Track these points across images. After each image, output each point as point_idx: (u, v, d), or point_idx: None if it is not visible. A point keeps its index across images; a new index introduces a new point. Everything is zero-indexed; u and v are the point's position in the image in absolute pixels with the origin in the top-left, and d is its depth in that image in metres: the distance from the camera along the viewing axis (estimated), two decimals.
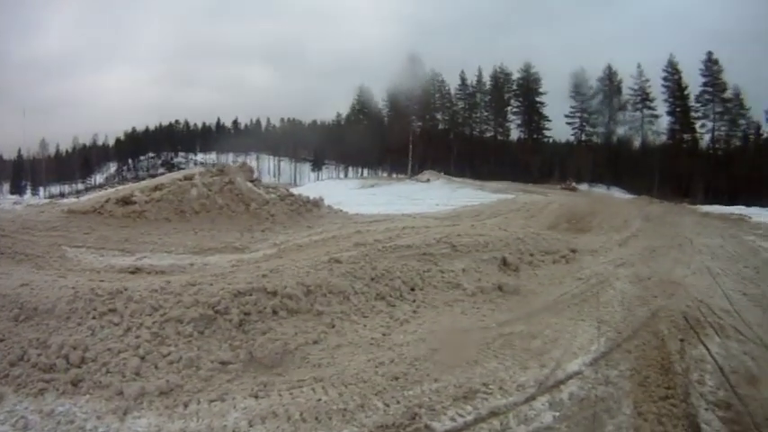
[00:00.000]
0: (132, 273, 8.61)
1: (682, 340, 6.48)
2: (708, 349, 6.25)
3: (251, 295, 6.31)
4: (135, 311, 5.75)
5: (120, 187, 20.92)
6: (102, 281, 7.13)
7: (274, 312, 6.26)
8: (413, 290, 7.87)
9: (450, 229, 11.57)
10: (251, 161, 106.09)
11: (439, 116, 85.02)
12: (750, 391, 5.26)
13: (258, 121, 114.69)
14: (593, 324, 6.95)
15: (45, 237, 11.03)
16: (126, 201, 13.77)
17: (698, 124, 69.27)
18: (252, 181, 16.25)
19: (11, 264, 8.72)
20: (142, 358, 5.12)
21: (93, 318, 5.62)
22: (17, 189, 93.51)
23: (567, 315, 7.37)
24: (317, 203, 16.08)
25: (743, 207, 32.72)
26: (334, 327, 6.40)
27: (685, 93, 69.23)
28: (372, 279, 7.69)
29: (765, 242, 16.08)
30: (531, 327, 6.78)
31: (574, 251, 11.59)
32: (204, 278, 6.95)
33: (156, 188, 14.61)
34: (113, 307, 5.79)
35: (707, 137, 69.34)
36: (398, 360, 5.59)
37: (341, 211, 16.78)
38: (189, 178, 15.21)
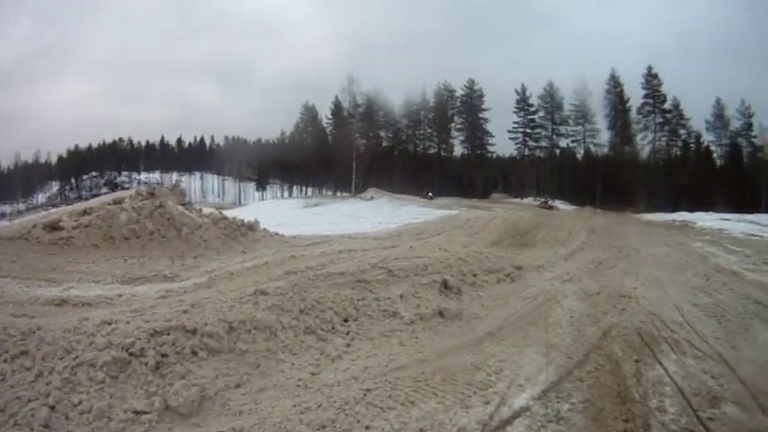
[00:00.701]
0: (57, 305, 7.91)
1: (637, 361, 6.02)
2: (665, 369, 5.82)
3: (169, 334, 5.78)
4: (47, 354, 5.23)
5: (49, 211, 20.14)
6: (18, 316, 6.51)
7: (193, 353, 5.73)
8: (346, 321, 7.27)
9: (388, 251, 10.98)
10: (195, 180, 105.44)
11: (383, 133, 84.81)
12: (714, 414, 4.86)
13: (202, 140, 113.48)
14: (541, 350, 6.42)
15: None
16: (53, 226, 12.92)
17: (639, 136, 72.03)
18: (183, 204, 15.51)
19: None
20: (52, 408, 4.67)
21: (5, 361, 5.14)
22: None
23: (512, 341, 6.83)
24: (251, 227, 15.41)
25: (686, 213, 33.13)
26: (258, 367, 5.85)
27: (627, 105, 71.56)
28: (302, 311, 7.08)
29: (713, 248, 16.10)
30: (475, 356, 6.22)
31: (519, 268, 11.23)
32: (122, 315, 6.33)
33: (85, 212, 13.71)
34: (25, 349, 5.28)
35: (648, 148, 72.09)
36: (327, 404, 5.03)
37: (277, 234, 16.14)
38: (118, 202, 14.36)
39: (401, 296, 8.20)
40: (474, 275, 10.03)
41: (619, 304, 8.59)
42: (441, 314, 7.83)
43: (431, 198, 49.50)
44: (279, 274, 8.77)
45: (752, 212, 36.63)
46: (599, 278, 10.91)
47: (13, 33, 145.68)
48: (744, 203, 48.62)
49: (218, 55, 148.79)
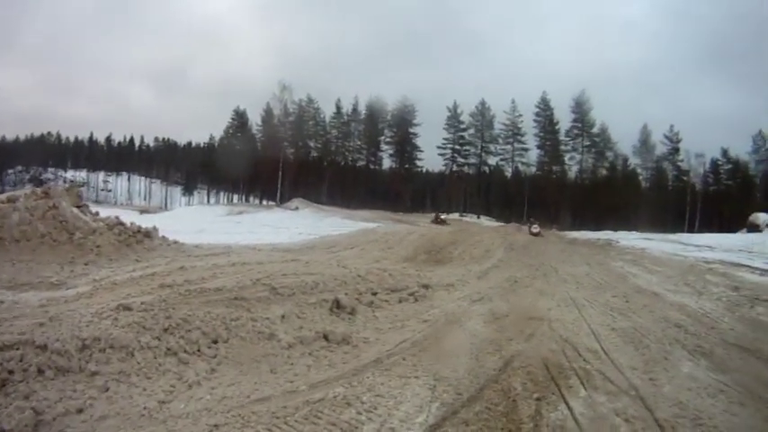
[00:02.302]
0: None
1: (538, 399, 5.27)
2: (570, 410, 5.08)
3: (17, 349, 5.26)
4: None
5: None
6: None
7: (40, 371, 5.14)
8: (215, 343, 6.46)
9: (280, 266, 10.37)
10: (122, 181, 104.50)
11: (312, 144, 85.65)
12: None
13: (132, 140, 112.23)
14: (429, 383, 5.63)
15: None
16: None
17: (567, 156, 75.98)
18: (79, 206, 14.60)
19: None
20: None
21: None
22: None
23: (399, 371, 6.05)
24: (148, 234, 14.57)
25: (610, 232, 33.60)
26: (107, 391, 5.15)
27: (556, 127, 75.89)
28: (165, 330, 6.27)
29: (634, 267, 16.06)
30: (350, 389, 5.43)
31: (426, 287, 10.61)
32: None
33: None
34: None
35: (575, 168, 76.19)
36: None
37: (176, 242, 15.28)
38: (12, 201, 13.53)
39: (283, 316, 7.40)
40: (373, 294, 9.38)
41: (527, 328, 8.00)
42: (325, 338, 7.03)
43: (443, 222, 46.39)
44: (153, 287, 8.05)
45: (675, 232, 37.28)
46: (511, 298, 10.40)
47: None
48: (668, 223, 50.96)
49: (154, 57, 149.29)
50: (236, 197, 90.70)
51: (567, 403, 5.18)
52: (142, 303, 6.71)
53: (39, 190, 14.49)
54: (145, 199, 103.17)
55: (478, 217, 63.98)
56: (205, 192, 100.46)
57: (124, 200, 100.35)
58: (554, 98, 75.73)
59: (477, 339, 7.35)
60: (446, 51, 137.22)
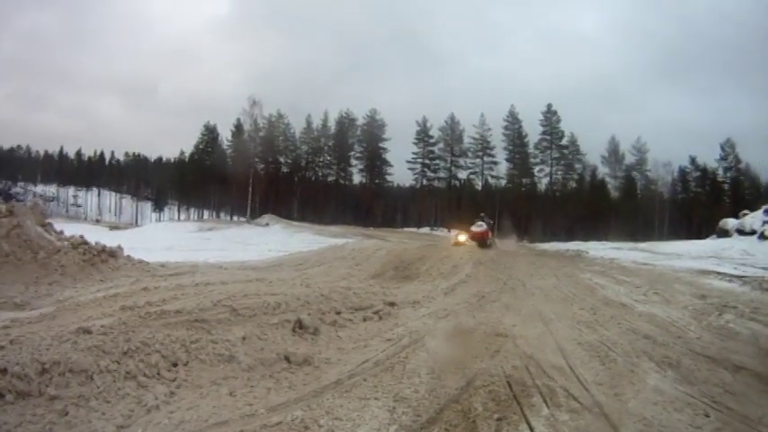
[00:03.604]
0: None
1: (499, 420, 5.20)
2: (531, 429, 5.04)
3: None
4: None
5: None
6: None
7: (0, 396, 5.08)
8: (174, 366, 6.39)
9: (241, 287, 10.20)
10: (92, 197, 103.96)
11: (282, 159, 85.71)
12: None
13: (102, 154, 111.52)
14: (388, 404, 5.58)
15: None
16: None
17: (536, 169, 76.99)
18: (43, 225, 14.42)
19: None
20: None
21: None
22: None
23: (358, 392, 5.97)
24: (113, 253, 14.41)
25: (580, 242, 33.76)
26: (66, 415, 5.05)
27: (525, 140, 76.60)
28: (125, 353, 6.18)
29: (602, 279, 16.09)
30: (309, 412, 5.36)
31: (392, 304, 10.54)
32: None
33: None
34: None
35: (545, 180, 77.05)
36: None
37: (141, 261, 15.14)
38: None
39: (243, 338, 7.31)
40: (337, 313, 9.31)
41: (493, 345, 7.93)
42: (287, 359, 6.96)
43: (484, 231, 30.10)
44: (114, 309, 7.96)
45: (644, 241, 37.51)
46: (478, 314, 10.28)
47: None
48: (637, 233, 51.83)
49: (124, 72, 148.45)
50: (206, 213, 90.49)
51: (528, 423, 5.13)
52: (102, 326, 6.60)
53: (3, 207, 14.36)
54: (115, 215, 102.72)
55: (449, 231, 64.36)
56: (176, 208, 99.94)
57: (94, 215, 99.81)
58: (521, 111, 76.60)
59: (441, 357, 7.27)
60: (411, 68, 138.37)
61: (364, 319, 9.47)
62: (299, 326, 8.17)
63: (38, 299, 10.10)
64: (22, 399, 5.11)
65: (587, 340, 8.44)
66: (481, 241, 27.58)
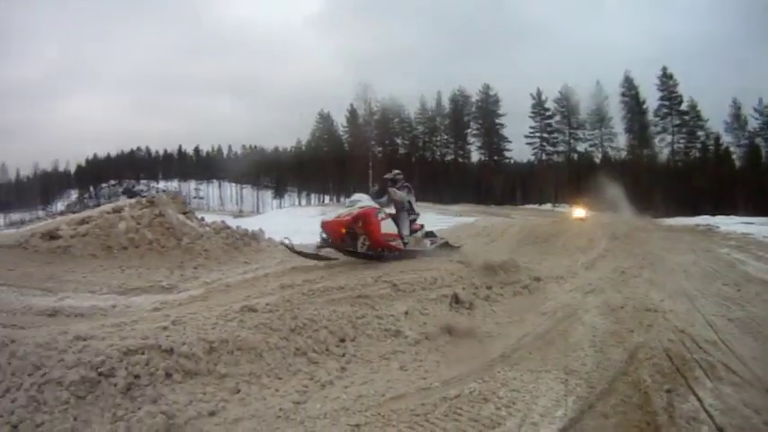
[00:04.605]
0: (50, 315, 7.76)
1: (668, 391, 5.30)
2: (700, 401, 5.11)
3: (143, 354, 5.21)
4: (17, 369, 4.80)
5: (49, 221, 19.83)
6: (6, 327, 6.41)
7: (168, 375, 5.15)
8: (342, 341, 6.58)
9: (393, 264, 10.35)
10: (213, 189, 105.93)
11: (399, 141, 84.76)
12: None
13: (220, 149, 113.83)
14: (560, 376, 5.70)
15: None
16: (51, 235, 12.77)
17: (657, 138, 70.53)
18: (185, 213, 15.07)
19: None
20: (14, 427, 4.29)
21: None
22: None
23: (527, 365, 6.11)
24: (255, 236, 14.91)
25: (707, 217, 32.40)
26: (238, 393, 5.22)
27: (643, 107, 70.23)
28: (292, 330, 6.37)
29: (741, 254, 15.49)
30: (484, 385, 5.51)
31: (537, 279, 10.59)
32: (99, 330, 5.81)
33: (83, 221, 13.54)
34: None
35: (666, 150, 70.65)
36: None
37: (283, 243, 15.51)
38: (118, 211, 14.14)
39: (406, 313, 7.50)
40: (488, 288, 9.40)
41: (645, 320, 7.91)
42: (449, 332, 7.13)
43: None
44: (273, 288, 8.23)
45: None
46: (623, 289, 10.24)
47: (43, 54, 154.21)
48: (765, 206, 47.67)
49: (232, 71, 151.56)
50: (326, 198, 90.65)
51: (695, 394, 5.21)
52: (267, 304, 6.80)
53: (143, 199, 15.02)
54: (237, 204, 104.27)
55: (571, 206, 62.67)
56: (295, 194, 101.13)
57: (216, 206, 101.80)
58: (639, 75, 70.63)
59: (599, 332, 7.38)
60: (512, 41, 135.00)
61: (514, 294, 9.57)
62: (456, 300, 8.34)
63: (184, 282, 10.57)
64: (191, 378, 5.25)
65: (736, 317, 8.31)
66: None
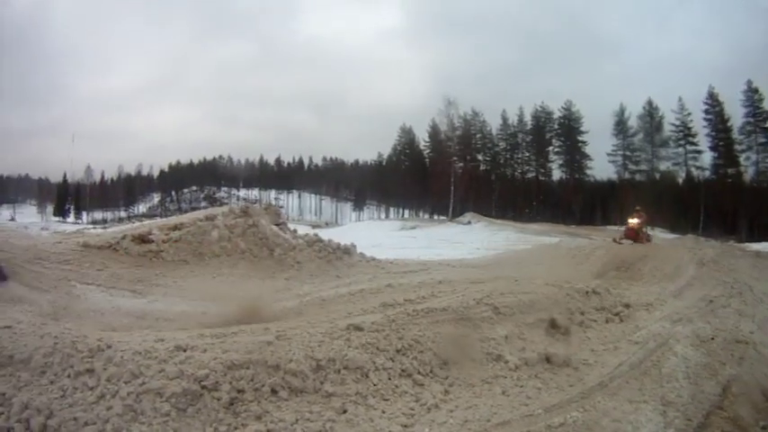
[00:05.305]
0: (139, 317, 8.08)
1: (765, 428, 5.49)
2: None
3: (248, 368, 5.41)
4: (113, 376, 5.00)
5: (142, 223, 20.45)
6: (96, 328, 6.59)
7: (273, 392, 5.35)
8: (446, 364, 6.71)
9: (492, 285, 10.24)
10: (293, 199, 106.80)
11: (480, 157, 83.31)
12: None
13: (300, 160, 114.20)
14: (658, 407, 5.94)
15: (56, 270, 10.57)
16: (143, 239, 13.19)
17: (742, 157, 66.60)
18: (278, 224, 15.44)
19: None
20: None
21: (68, 376, 5.00)
22: (61, 212, 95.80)
23: (625, 395, 6.33)
24: (347, 250, 15.13)
25: None
26: (345, 413, 5.37)
27: (728, 125, 66.84)
28: (398, 351, 6.55)
29: None
30: (586, 414, 5.74)
31: (627, 306, 10.56)
32: (199, 340, 6.00)
33: (176, 227, 13.95)
34: (91, 367, 5.09)
35: (751, 170, 66.47)
36: None
37: (374, 258, 15.71)
38: (210, 219, 14.46)
39: (506, 337, 7.62)
40: (582, 313, 9.48)
41: (736, 352, 7.97)
42: (548, 359, 7.31)
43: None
44: (374, 306, 8.30)
45: None
46: (711, 320, 10.11)
47: (132, 69, 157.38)
48: None
49: (313, 86, 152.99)
50: (406, 212, 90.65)
51: None
52: (372, 323, 6.91)
53: (237, 209, 15.38)
54: (315, 214, 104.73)
55: (652, 229, 61.06)
56: (374, 207, 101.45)
57: (296, 215, 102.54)
58: (720, 92, 67.08)
59: (691, 363, 7.45)
60: (594, 57, 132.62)
61: (606, 320, 9.64)
62: (552, 325, 8.48)
63: (275, 293, 10.72)
64: (295, 396, 5.36)
65: None
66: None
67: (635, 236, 24.43)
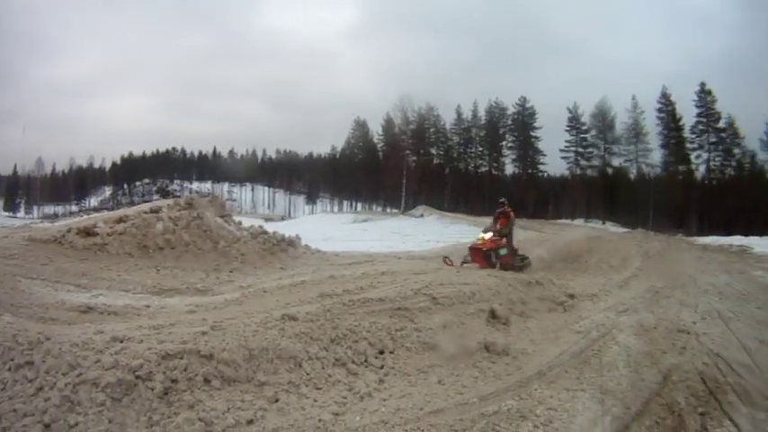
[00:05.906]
0: (83, 312, 7.85)
1: (702, 414, 5.37)
2: (737, 427, 5.20)
3: (182, 358, 5.27)
4: (51, 367, 4.81)
5: (85, 217, 20.10)
6: (37, 321, 6.60)
7: (206, 381, 5.22)
8: (381, 353, 6.63)
9: (433, 276, 10.32)
10: (246, 191, 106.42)
11: (434, 151, 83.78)
12: None
13: (254, 152, 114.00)
14: (596, 396, 5.79)
15: (1, 265, 10.26)
16: (88, 231, 13.03)
17: (693, 155, 68.40)
18: (223, 216, 15.25)
19: None
20: (47, 426, 4.31)
21: (9, 369, 4.79)
22: (11, 206, 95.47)
23: (563, 383, 6.19)
24: (292, 242, 15.04)
25: (741, 237, 31.90)
26: (277, 402, 5.26)
27: (680, 124, 68.44)
28: (332, 341, 6.45)
29: None
30: (521, 402, 5.59)
31: (571, 296, 10.60)
32: (137, 331, 5.83)
33: (121, 220, 13.85)
34: (31, 359, 4.87)
35: (702, 167, 68.31)
36: None
37: (319, 251, 15.66)
38: (155, 211, 14.42)
39: (444, 327, 7.52)
40: (524, 303, 9.45)
41: (678, 341, 7.94)
42: (486, 348, 7.19)
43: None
44: (312, 297, 8.26)
45: None
46: (655, 310, 10.21)
47: (86, 56, 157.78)
48: None
49: (268, 78, 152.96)
50: (359, 205, 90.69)
51: (731, 419, 5.28)
52: (307, 313, 6.82)
53: (182, 201, 15.22)
54: (269, 207, 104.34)
55: (603, 223, 61.91)
56: (327, 200, 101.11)
57: (248, 208, 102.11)
58: (676, 91, 68.94)
59: (632, 351, 7.41)
60: (549, 56, 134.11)
61: (549, 310, 9.62)
62: (492, 315, 8.37)
63: (219, 285, 10.76)
64: (228, 385, 5.27)
65: None
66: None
67: (485, 260, 14.16)
